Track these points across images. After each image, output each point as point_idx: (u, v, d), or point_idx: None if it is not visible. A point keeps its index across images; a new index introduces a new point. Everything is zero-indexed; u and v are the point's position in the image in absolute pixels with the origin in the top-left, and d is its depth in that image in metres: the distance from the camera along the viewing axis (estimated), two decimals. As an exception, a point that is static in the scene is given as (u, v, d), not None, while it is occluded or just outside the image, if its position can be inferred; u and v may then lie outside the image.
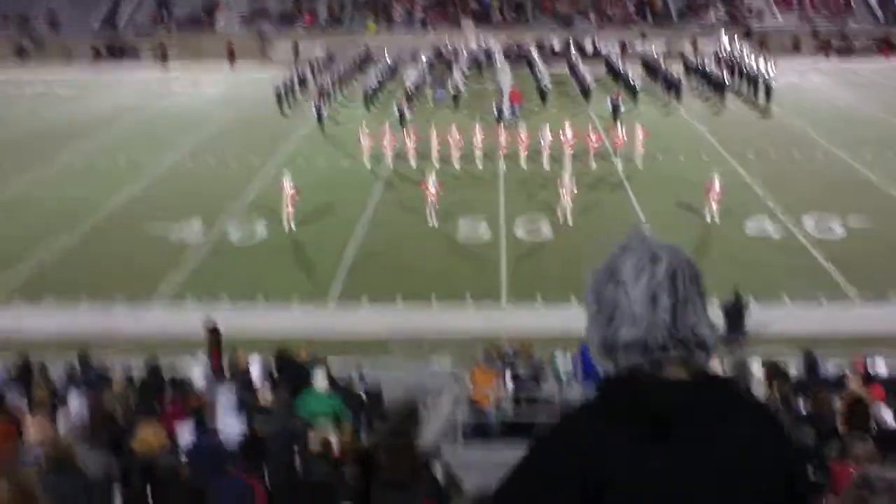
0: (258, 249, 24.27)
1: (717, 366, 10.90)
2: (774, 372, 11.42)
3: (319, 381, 10.83)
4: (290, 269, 22.93)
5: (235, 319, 19.11)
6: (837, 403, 9.32)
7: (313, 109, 38.02)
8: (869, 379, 11.67)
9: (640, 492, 2.01)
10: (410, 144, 31.03)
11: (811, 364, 12.81)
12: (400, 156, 31.09)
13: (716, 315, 14.07)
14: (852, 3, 60.89)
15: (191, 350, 16.52)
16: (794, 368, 13.15)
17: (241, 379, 12.64)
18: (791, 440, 2.25)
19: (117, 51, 60.33)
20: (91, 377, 12.61)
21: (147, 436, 6.95)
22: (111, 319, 19.86)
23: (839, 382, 11.67)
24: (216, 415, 9.41)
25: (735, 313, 18.31)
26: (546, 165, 29.86)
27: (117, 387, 11.20)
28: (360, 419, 12.73)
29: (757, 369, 11.67)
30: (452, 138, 30.33)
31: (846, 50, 57.02)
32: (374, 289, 21.09)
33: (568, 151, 30.08)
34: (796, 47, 57.62)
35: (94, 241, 25.26)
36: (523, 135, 30.62)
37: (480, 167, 30.17)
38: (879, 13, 60.22)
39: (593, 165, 30.20)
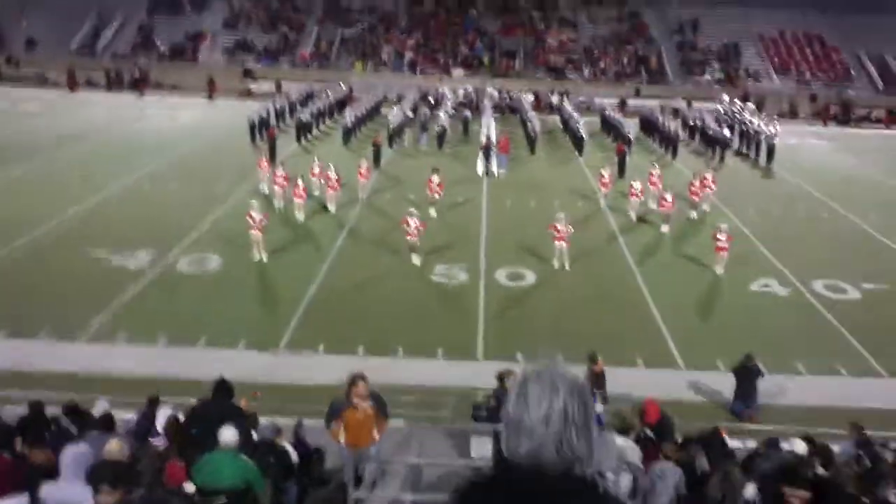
0: (207, 283, 21.60)
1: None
2: (820, 453, 8.85)
3: (227, 436, 8.09)
4: (240, 309, 20.18)
5: (171, 359, 17.19)
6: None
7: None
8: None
9: None
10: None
11: (864, 443, 10.13)
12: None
13: (728, 382, 11.61)
14: (851, 71, 59.36)
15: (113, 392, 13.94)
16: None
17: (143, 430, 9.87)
18: None
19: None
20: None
21: None
22: (28, 353, 17.21)
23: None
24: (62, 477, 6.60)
25: (746, 381, 15.82)
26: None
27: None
28: (283, 487, 9.96)
29: (800, 448, 9.01)
30: (431, 184, 27.78)
31: (845, 116, 55.20)
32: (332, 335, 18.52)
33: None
34: (793, 112, 55.78)
35: (27, 260, 22.55)
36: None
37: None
38: (879, 82, 58.57)
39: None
